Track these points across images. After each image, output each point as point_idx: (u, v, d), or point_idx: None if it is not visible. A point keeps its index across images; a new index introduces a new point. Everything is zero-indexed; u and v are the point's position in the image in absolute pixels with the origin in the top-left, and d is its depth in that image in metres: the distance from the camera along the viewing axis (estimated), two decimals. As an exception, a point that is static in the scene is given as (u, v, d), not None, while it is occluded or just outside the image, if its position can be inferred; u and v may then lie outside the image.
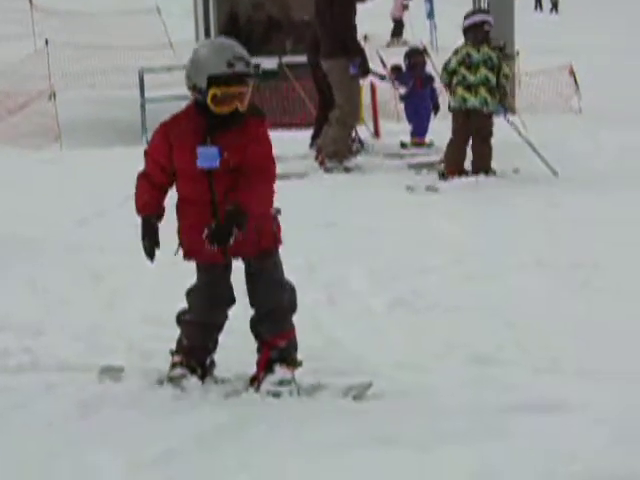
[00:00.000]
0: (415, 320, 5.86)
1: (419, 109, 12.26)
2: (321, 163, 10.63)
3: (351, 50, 10.45)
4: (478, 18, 10.28)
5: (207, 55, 4.48)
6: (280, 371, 4.68)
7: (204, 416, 4.38)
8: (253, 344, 4.84)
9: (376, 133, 13.11)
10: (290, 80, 13.80)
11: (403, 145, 12.13)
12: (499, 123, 10.33)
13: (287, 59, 14.20)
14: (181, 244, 4.69)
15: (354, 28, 10.58)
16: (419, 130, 12.16)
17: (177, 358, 4.81)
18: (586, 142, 11.56)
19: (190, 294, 4.78)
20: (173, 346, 4.88)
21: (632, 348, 5.33)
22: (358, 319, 5.90)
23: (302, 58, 13.53)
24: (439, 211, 8.76)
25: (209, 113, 4.49)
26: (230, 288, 4.76)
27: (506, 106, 10.46)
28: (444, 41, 19.77)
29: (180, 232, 4.70)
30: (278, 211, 4.71)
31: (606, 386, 4.77)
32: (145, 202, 4.66)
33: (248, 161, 4.49)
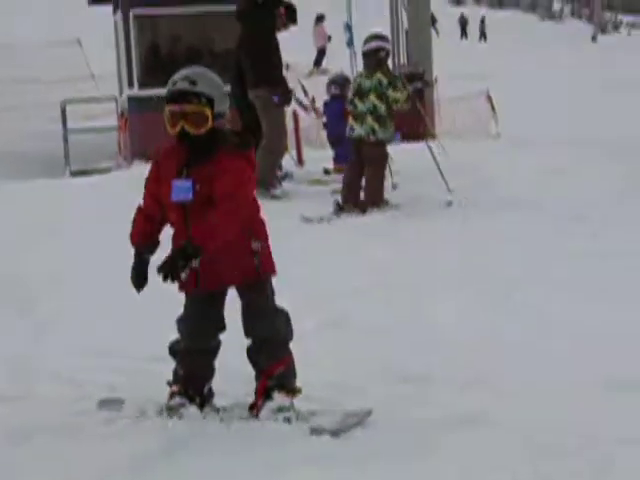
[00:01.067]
0: (343, 340, 5.96)
1: (342, 136, 12.39)
2: None
3: (273, 80, 10.56)
4: (373, 44, 10.17)
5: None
6: (279, 398, 4.67)
7: (137, 440, 4.39)
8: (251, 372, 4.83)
9: (299, 160, 13.20)
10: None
11: (326, 172, 12.23)
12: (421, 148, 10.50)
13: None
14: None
15: (277, 58, 10.70)
16: (342, 157, 12.28)
17: (175, 388, 4.77)
18: (503, 166, 11.75)
19: (180, 322, 4.77)
20: (105, 375, 4.89)
21: (550, 363, 5.47)
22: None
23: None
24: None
25: (189, 146, 4.51)
26: (218, 315, 4.74)
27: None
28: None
29: None
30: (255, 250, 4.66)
31: (530, 402, 4.89)
32: (139, 233, 4.66)
33: (214, 192, 4.46)
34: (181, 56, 15.04)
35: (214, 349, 4.81)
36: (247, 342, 4.77)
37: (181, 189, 4.50)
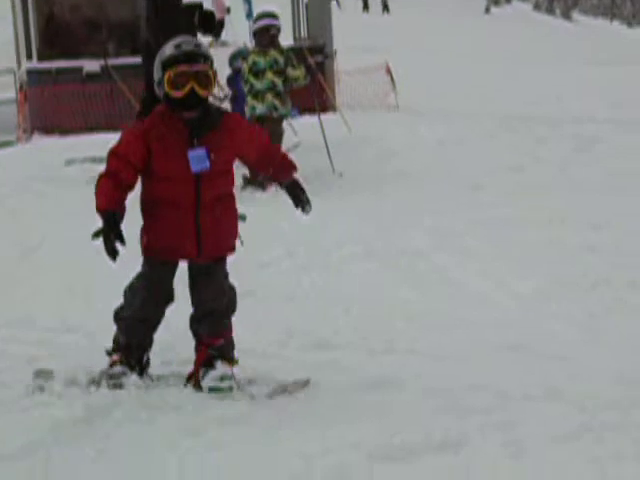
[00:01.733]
0: (255, 310, 6.08)
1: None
2: None
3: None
4: (263, 22, 10.22)
5: (162, 50, 4.56)
6: (221, 367, 4.71)
7: (59, 409, 4.45)
8: (187, 341, 4.88)
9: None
10: (115, 81, 13.78)
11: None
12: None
13: (111, 61, 14.17)
14: (147, 242, 4.63)
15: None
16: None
17: (115, 357, 4.76)
18: (404, 137, 11.96)
19: (132, 291, 4.73)
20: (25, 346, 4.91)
21: (456, 329, 5.72)
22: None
23: (126, 60, 13.62)
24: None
25: (185, 112, 4.50)
26: (172, 286, 4.75)
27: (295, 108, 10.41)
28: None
29: (149, 231, 4.63)
30: (243, 217, 4.78)
31: (435, 363, 5.12)
32: (109, 199, 4.45)
33: (247, 152, 4.66)
34: (80, 27, 14.92)
35: (159, 321, 4.83)
36: (191, 312, 4.83)
37: (199, 159, 4.50)
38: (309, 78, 10.30)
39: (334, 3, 50.08)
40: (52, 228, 8.36)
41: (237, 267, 6.89)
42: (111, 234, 4.40)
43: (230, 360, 4.80)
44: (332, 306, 6.12)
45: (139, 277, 4.73)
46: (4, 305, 6.33)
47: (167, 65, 4.48)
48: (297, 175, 4.79)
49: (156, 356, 4.94)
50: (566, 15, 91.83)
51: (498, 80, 21.09)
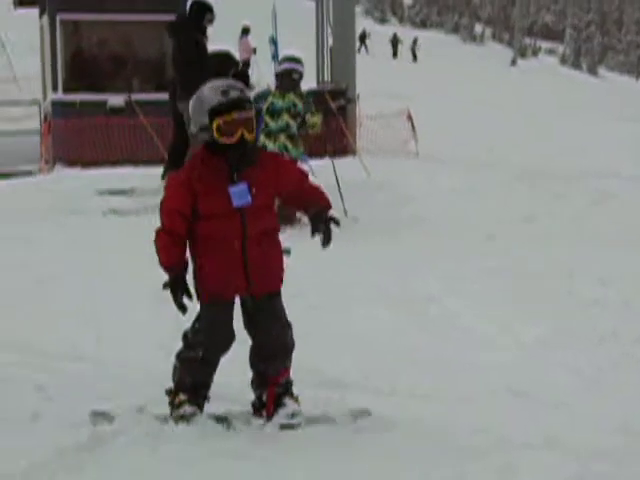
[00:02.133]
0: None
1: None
2: None
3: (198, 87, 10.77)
4: (286, 66, 10.43)
5: (204, 94, 4.60)
6: (290, 404, 4.79)
7: (65, 433, 4.53)
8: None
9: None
10: (138, 116, 13.97)
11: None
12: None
13: (135, 96, 14.38)
14: (201, 285, 4.68)
15: (205, 71, 10.91)
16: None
17: (183, 397, 4.79)
18: (422, 184, 12.06)
19: (193, 333, 4.75)
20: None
21: (458, 373, 5.78)
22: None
23: (149, 95, 13.83)
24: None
25: (226, 152, 4.60)
26: (232, 326, 4.76)
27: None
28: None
29: (201, 271, 4.69)
30: (288, 251, 4.88)
31: (437, 405, 5.19)
32: (170, 256, 4.63)
33: (283, 185, 4.73)
34: (106, 62, 15.14)
35: (220, 359, 4.84)
36: (250, 347, 4.83)
37: (240, 194, 4.59)
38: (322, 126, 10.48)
39: (363, 49, 50.76)
40: (69, 257, 8.49)
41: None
42: (178, 291, 4.60)
43: (294, 396, 4.86)
44: (340, 347, 6.17)
45: (198, 320, 4.76)
46: (13, 331, 6.43)
47: (215, 112, 4.55)
48: (330, 210, 4.82)
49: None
50: (592, 70, 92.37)
51: (521, 131, 21.21)
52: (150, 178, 11.65)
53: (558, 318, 6.92)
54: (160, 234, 4.63)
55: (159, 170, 11.86)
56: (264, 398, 4.82)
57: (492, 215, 10.55)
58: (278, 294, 4.80)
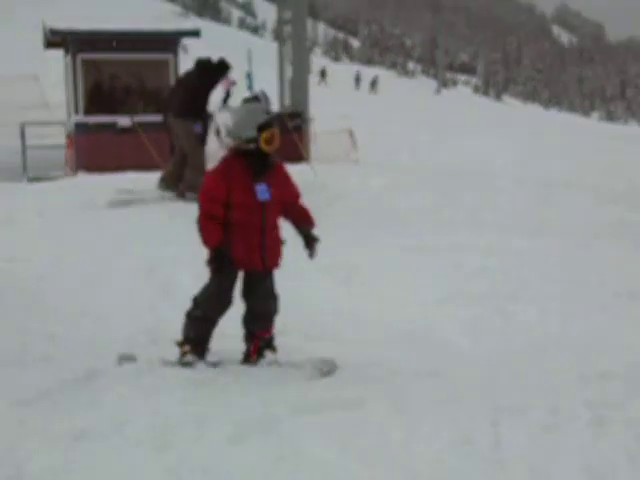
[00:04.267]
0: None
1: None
2: (181, 193, 10.88)
3: (199, 115, 10.83)
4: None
5: (249, 113, 4.66)
6: (269, 355, 4.84)
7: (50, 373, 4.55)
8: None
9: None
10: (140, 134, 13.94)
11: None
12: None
13: (139, 118, 14.36)
14: (226, 255, 4.65)
15: (207, 99, 11.03)
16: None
17: (187, 347, 4.79)
18: (357, 183, 12.10)
19: (203, 296, 4.77)
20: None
21: (369, 323, 5.93)
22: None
23: (150, 117, 13.82)
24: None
25: (253, 158, 4.65)
26: (233, 294, 4.79)
27: None
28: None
29: (230, 247, 4.66)
30: (284, 242, 4.88)
31: (356, 348, 5.32)
32: (215, 238, 4.63)
33: (287, 194, 4.80)
34: (118, 91, 15.13)
35: (219, 319, 4.86)
36: (245, 311, 4.88)
37: (263, 191, 4.67)
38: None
39: (318, 80, 50.61)
40: (85, 238, 8.47)
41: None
42: (222, 265, 4.63)
43: (274, 349, 4.90)
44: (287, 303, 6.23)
45: (209, 286, 4.77)
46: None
47: (264, 128, 4.61)
48: (313, 229, 4.91)
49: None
50: (498, 97, 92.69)
51: (437, 144, 21.31)
52: (148, 181, 11.66)
53: (452, 282, 7.00)
54: (203, 218, 4.63)
55: (155, 175, 11.84)
56: (251, 349, 4.87)
57: (407, 206, 10.59)
58: (272, 270, 4.86)
